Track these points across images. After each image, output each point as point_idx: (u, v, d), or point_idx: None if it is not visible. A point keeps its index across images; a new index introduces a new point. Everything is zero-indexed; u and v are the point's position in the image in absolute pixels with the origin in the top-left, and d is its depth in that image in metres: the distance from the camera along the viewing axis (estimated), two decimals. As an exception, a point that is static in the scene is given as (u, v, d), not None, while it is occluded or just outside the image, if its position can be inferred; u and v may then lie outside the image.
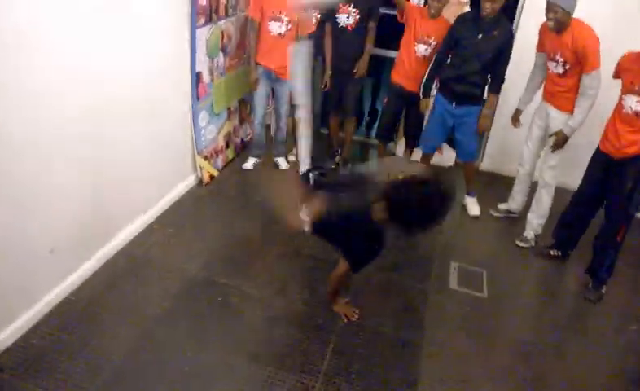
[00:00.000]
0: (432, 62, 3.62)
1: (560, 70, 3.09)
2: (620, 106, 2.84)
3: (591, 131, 3.14)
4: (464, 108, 3.52)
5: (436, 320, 2.75)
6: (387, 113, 4.04)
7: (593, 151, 3.09)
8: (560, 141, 3.21)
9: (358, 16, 3.73)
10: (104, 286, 2.70)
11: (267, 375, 2.29)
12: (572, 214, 3.23)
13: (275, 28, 3.68)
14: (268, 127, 4.68)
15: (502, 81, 3.47)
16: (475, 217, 3.83)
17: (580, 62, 2.98)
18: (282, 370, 2.32)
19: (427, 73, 3.66)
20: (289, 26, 3.70)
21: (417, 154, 4.19)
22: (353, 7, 3.70)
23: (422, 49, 3.64)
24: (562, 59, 3.04)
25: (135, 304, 2.61)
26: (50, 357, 2.25)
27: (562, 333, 2.78)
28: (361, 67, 3.91)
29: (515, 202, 3.77)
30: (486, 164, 4.58)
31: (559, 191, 3.39)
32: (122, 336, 2.40)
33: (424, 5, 3.82)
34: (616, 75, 2.93)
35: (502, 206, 3.86)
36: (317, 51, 3.91)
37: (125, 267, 2.86)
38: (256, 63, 3.81)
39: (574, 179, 3.25)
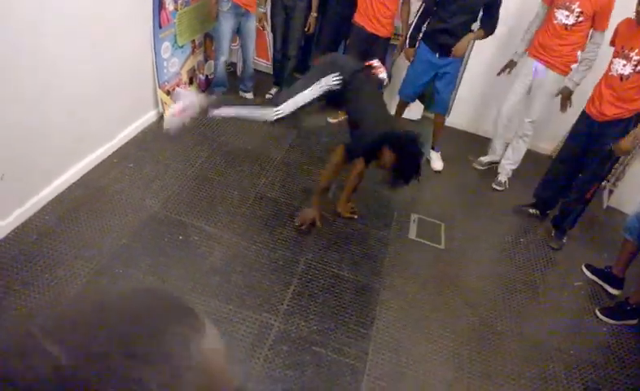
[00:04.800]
0: (419, 12, 3.56)
1: (571, 21, 3.12)
2: (608, 70, 2.94)
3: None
4: (447, 59, 3.52)
5: (393, 267, 2.84)
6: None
7: (566, 117, 3.30)
8: (566, 97, 3.35)
9: None
10: (59, 218, 2.60)
11: (227, 312, 2.31)
12: (554, 172, 3.38)
13: None
14: (234, 66, 4.54)
15: (494, 26, 3.44)
16: (438, 172, 3.90)
17: (596, 18, 3.07)
18: (243, 308, 2.35)
19: (413, 23, 3.62)
20: None
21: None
22: None
23: None
24: (578, 10, 3.08)
25: (92, 238, 2.54)
26: (0, 284, 2.17)
27: (510, 285, 2.94)
28: None
29: (495, 153, 3.97)
30: (460, 122, 4.60)
31: (534, 155, 3.54)
32: (78, 270, 2.34)
33: None
34: (612, 41, 3.00)
35: (485, 159, 4.02)
36: None
37: (82, 200, 2.76)
38: None
39: (547, 143, 3.40)
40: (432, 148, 3.97)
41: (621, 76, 2.82)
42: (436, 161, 3.95)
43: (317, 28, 4.17)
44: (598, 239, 3.52)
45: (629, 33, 2.81)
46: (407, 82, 3.82)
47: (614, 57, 2.90)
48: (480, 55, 4.11)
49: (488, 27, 3.42)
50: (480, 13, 3.42)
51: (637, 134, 2.80)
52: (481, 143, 4.27)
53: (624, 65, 2.81)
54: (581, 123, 3.14)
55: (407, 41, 3.66)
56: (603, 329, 2.76)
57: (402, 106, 3.96)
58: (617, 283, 2.96)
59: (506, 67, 3.67)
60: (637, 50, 2.75)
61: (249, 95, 4.13)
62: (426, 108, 4.43)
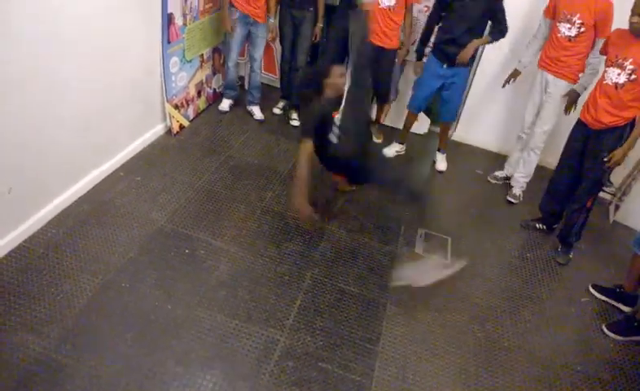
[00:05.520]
0: (424, 25, 3.64)
1: (573, 32, 3.19)
2: (602, 78, 2.97)
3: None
4: (454, 69, 3.58)
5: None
6: None
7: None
8: (573, 99, 3.41)
9: None
10: (65, 232, 2.62)
11: (233, 328, 2.30)
12: (555, 183, 3.38)
13: None
14: (242, 79, 4.57)
15: (502, 32, 3.47)
16: (441, 172, 4.01)
17: (597, 26, 3.13)
18: (249, 323, 2.34)
19: (418, 37, 3.69)
20: None
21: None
22: None
23: (385, 0, 3.55)
24: (579, 21, 3.15)
25: (98, 252, 2.55)
26: (7, 299, 2.18)
27: (517, 300, 2.92)
28: None
29: (512, 167, 3.96)
30: (468, 137, 4.59)
31: (541, 169, 3.64)
32: (84, 284, 2.35)
33: None
34: (604, 50, 3.06)
35: (500, 173, 4.05)
36: (309, 2, 3.79)
37: (89, 214, 2.77)
38: (231, 5, 3.67)
39: (554, 158, 3.43)
40: (438, 150, 4.07)
41: (616, 85, 2.86)
42: (441, 162, 4.07)
43: (324, 42, 4.20)
44: (605, 254, 3.49)
45: (622, 43, 2.86)
46: (415, 94, 3.89)
47: (607, 66, 2.94)
48: (489, 68, 4.14)
49: (497, 33, 3.48)
50: (489, 22, 3.48)
51: (628, 146, 2.91)
52: (490, 159, 4.31)
53: (618, 74, 2.85)
54: (577, 130, 3.17)
55: (414, 56, 3.72)
56: (610, 345, 2.73)
57: (411, 119, 4.01)
58: (631, 300, 2.92)
59: (510, 77, 3.71)
60: (631, 60, 2.79)
61: (256, 109, 4.14)
62: (433, 122, 4.45)
